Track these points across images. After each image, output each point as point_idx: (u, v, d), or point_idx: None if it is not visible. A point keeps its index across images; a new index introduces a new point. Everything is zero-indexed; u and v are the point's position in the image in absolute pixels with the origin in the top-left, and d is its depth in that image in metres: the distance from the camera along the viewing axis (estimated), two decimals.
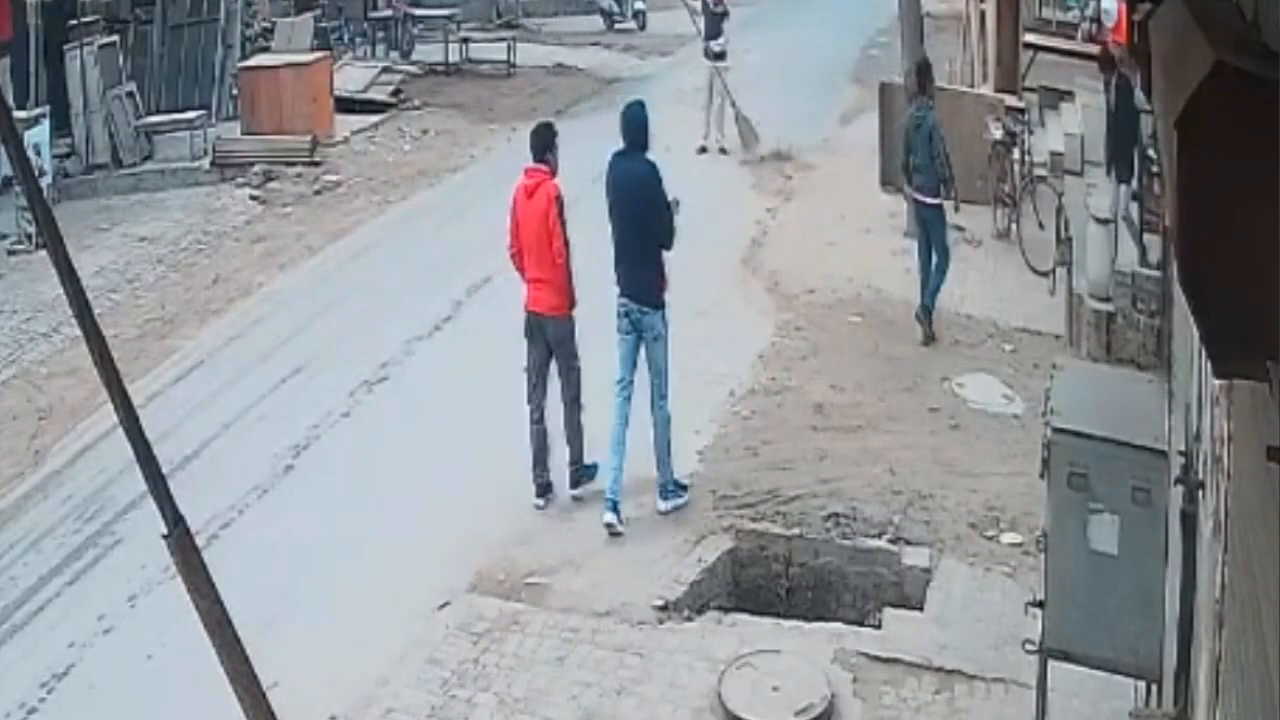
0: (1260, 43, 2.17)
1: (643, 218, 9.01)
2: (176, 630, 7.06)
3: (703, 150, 17.72)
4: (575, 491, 9.35)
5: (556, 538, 8.99)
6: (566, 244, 9.05)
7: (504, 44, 23.63)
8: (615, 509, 8.89)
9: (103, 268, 14.40)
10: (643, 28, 26.80)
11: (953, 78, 18.01)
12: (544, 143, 9.31)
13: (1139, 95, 12.46)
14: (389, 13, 24.40)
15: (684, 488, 9.28)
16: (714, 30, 18.51)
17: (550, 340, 9.19)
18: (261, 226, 15.99)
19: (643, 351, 9.11)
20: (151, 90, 19.37)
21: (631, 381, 9.15)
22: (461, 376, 11.50)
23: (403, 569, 8.69)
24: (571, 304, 9.16)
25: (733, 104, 17.93)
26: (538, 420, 9.28)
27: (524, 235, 9.14)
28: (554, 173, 9.21)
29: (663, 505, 9.14)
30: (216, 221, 16.11)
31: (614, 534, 8.87)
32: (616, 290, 9.16)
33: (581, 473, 9.34)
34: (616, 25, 26.91)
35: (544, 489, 9.31)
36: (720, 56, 18.34)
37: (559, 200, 9.01)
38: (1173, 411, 6.44)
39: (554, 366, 9.26)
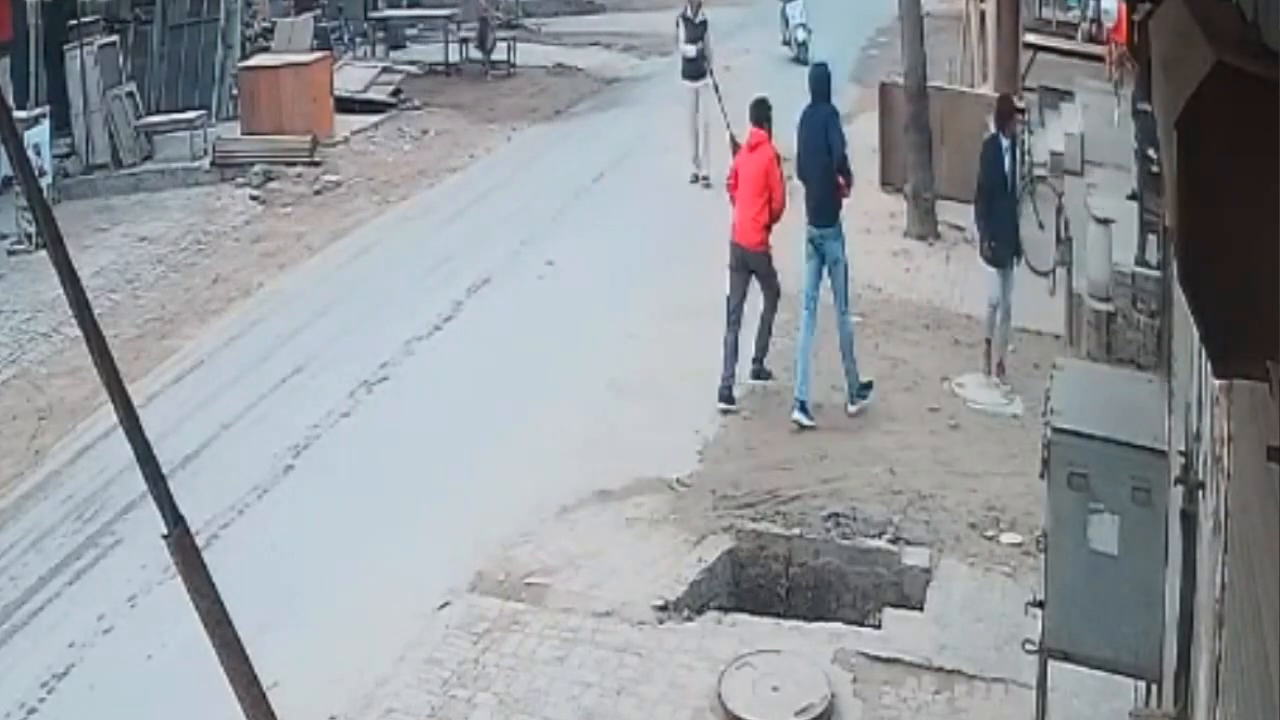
0: (1260, 43, 2.17)
1: (826, 156, 10.78)
2: (176, 630, 7.07)
3: (695, 180, 16.31)
4: (755, 381, 10.92)
5: (556, 538, 9.00)
6: (784, 194, 10.94)
7: (504, 44, 23.62)
8: (804, 409, 10.35)
9: (103, 268, 14.40)
10: (801, 60, 22.31)
11: (953, 78, 18.00)
12: (762, 113, 11.20)
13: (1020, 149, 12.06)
14: (445, 11, 24.09)
15: (868, 386, 10.65)
16: (695, 41, 16.69)
17: (753, 269, 10.89)
18: (261, 226, 15.99)
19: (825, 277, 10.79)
20: (151, 90, 19.36)
21: (816, 298, 10.76)
22: (461, 376, 11.51)
23: (403, 569, 8.69)
24: (766, 239, 10.89)
25: (726, 124, 16.01)
26: (734, 334, 10.77)
27: (741, 181, 10.96)
28: (769, 136, 11.10)
29: (852, 408, 10.53)
30: (216, 221, 16.11)
31: (804, 427, 10.28)
32: (805, 220, 10.90)
33: (762, 370, 10.99)
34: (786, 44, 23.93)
35: (728, 397, 10.67)
36: (700, 75, 16.47)
37: (778, 157, 10.99)
38: (1173, 411, 6.44)
39: (757, 291, 10.94)
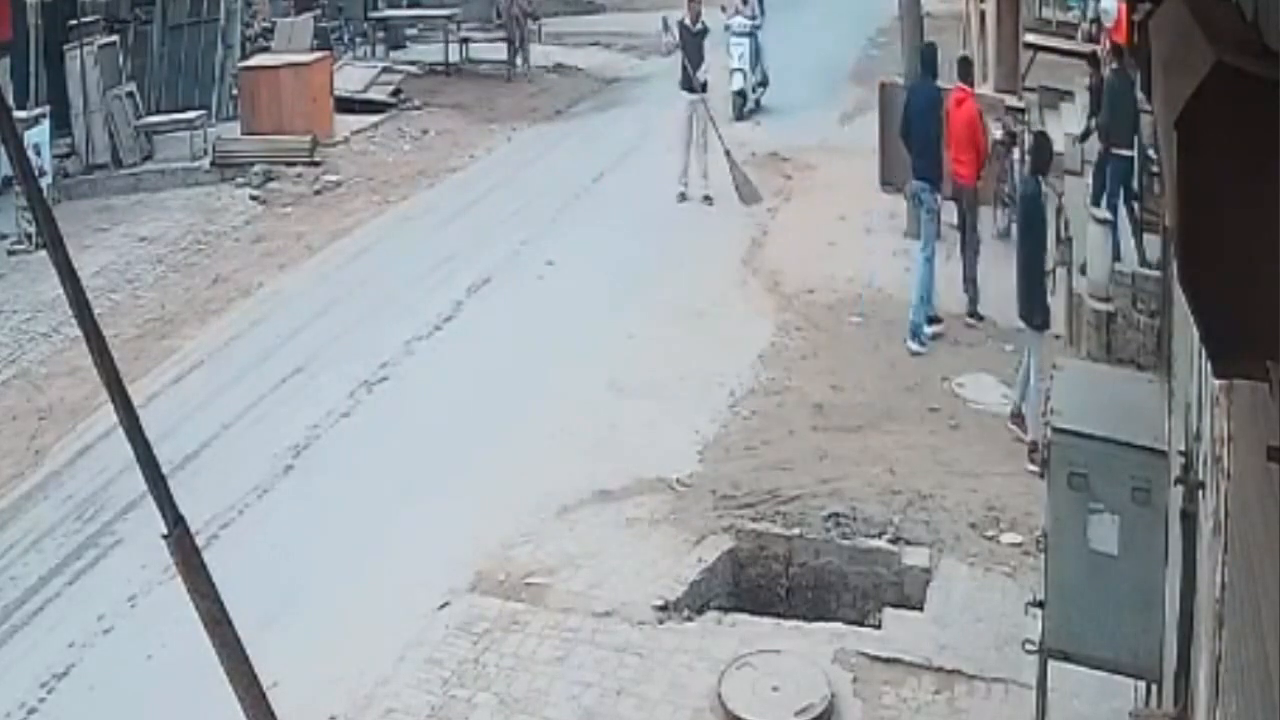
0: (1260, 43, 2.17)
1: (933, 123, 12.64)
2: (176, 630, 7.07)
3: (682, 198, 15.83)
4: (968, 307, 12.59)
5: (556, 538, 9.00)
6: (987, 143, 13.05)
7: (504, 44, 23.58)
8: (917, 337, 11.89)
9: (103, 268, 14.39)
10: (741, 117, 19.30)
11: (953, 78, 17.97)
12: (962, 72, 13.36)
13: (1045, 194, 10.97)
14: (445, 11, 24.00)
15: (929, 322, 11.99)
16: (696, 55, 16.06)
17: (963, 202, 12.80)
18: (261, 226, 15.98)
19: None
20: (151, 90, 19.34)
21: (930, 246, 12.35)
22: (461, 376, 11.51)
23: (403, 569, 8.69)
24: (978, 179, 12.89)
25: (725, 151, 15.80)
26: (963, 249, 12.74)
27: (953, 131, 12.75)
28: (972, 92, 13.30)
29: (912, 345, 11.78)
30: (216, 221, 16.10)
31: (915, 354, 11.74)
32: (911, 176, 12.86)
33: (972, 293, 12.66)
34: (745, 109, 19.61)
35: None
36: (701, 88, 16.01)
37: (980, 113, 13.02)
38: (1173, 411, 6.44)
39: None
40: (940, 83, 13.38)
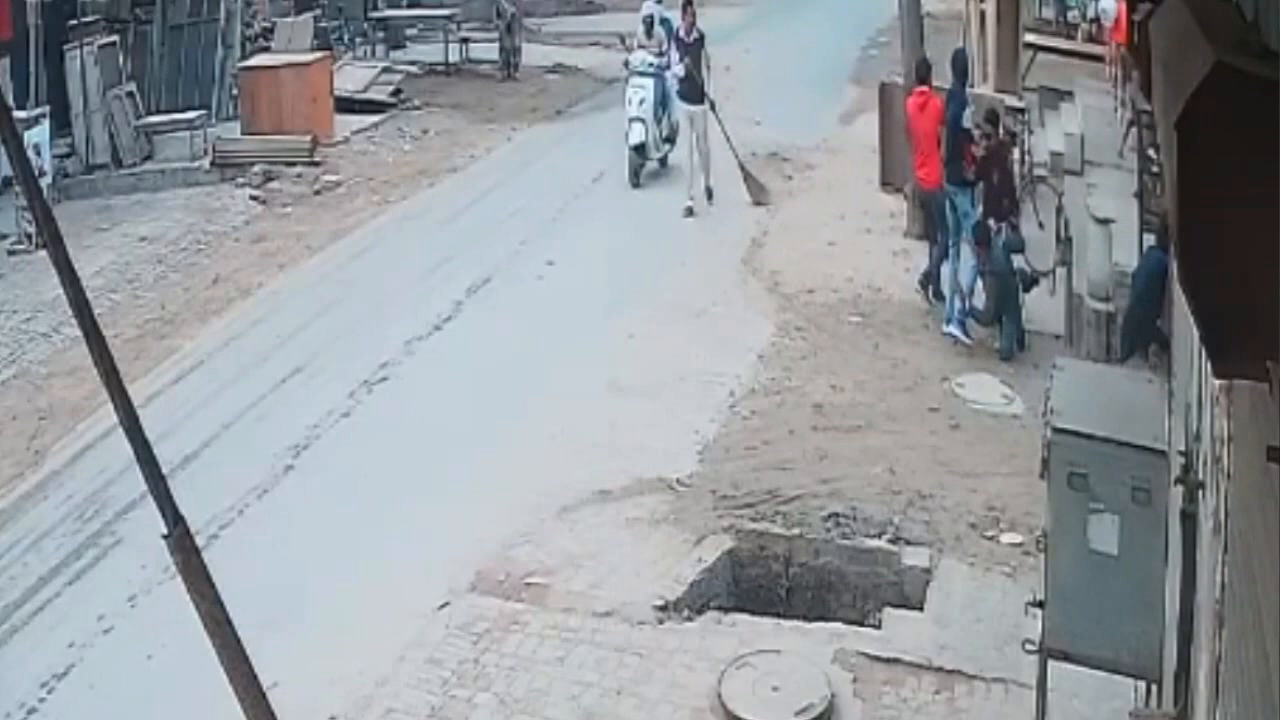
0: (1260, 43, 2.17)
1: (958, 129, 12.72)
2: (176, 630, 7.04)
3: (689, 213, 15.34)
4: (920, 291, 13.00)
5: (556, 538, 9.00)
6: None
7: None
8: (959, 327, 12.02)
9: (103, 268, 14.39)
10: (635, 184, 16.32)
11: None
12: (922, 74, 13.40)
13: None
14: (445, 11, 23.97)
15: (968, 317, 12.00)
16: (695, 65, 15.43)
17: (932, 207, 13.05)
18: (261, 226, 15.98)
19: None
20: (151, 90, 19.34)
21: (956, 241, 12.52)
22: (461, 376, 11.51)
23: (403, 569, 8.69)
24: (941, 184, 12.80)
25: (733, 152, 15.78)
26: (932, 256, 12.96)
27: (916, 137, 13.17)
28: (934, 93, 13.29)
29: (946, 327, 12.10)
30: (216, 221, 16.10)
31: (960, 342, 11.95)
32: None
33: (925, 285, 12.98)
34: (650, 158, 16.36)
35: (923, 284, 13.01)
36: (698, 99, 15.34)
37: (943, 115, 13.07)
38: (1173, 411, 6.44)
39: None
40: (933, 86, 13.37)
